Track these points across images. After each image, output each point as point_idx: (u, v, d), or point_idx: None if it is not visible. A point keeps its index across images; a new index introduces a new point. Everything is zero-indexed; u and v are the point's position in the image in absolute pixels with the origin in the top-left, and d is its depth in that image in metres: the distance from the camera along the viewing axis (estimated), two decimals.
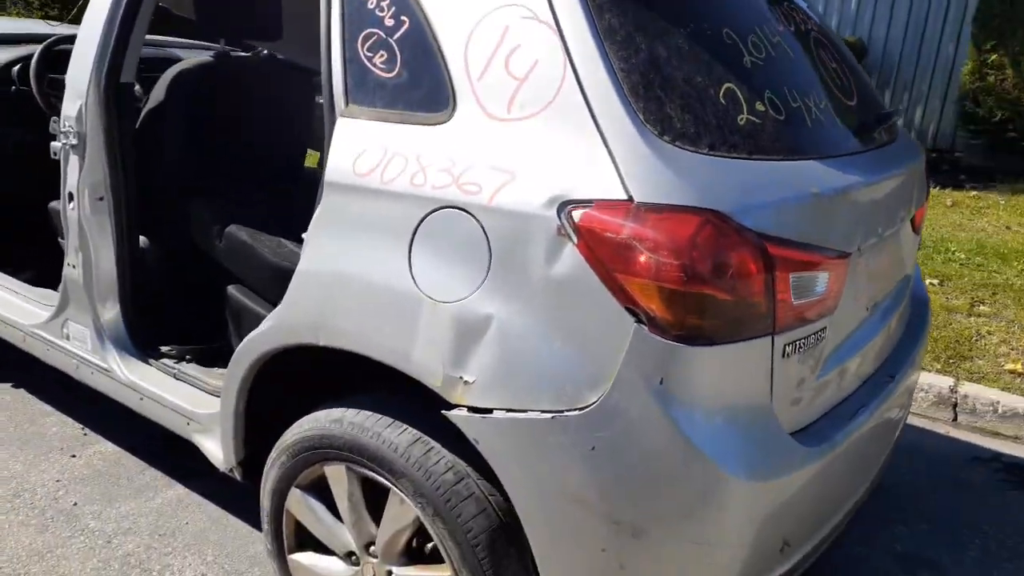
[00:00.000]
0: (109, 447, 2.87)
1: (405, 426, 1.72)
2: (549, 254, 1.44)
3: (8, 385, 3.22)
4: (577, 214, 1.41)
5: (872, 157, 1.86)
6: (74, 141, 2.22)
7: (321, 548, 1.98)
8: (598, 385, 1.42)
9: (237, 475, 2.11)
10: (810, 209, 1.53)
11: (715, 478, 1.41)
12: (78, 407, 3.07)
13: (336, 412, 1.80)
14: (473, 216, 1.50)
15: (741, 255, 1.38)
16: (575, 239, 1.41)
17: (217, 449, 2.17)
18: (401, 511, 1.73)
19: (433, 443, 1.69)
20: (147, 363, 2.41)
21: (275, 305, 2.21)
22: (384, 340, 1.61)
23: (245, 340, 1.89)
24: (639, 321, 1.38)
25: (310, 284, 1.72)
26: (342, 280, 1.67)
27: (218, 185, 2.53)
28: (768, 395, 1.49)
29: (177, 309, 2.60)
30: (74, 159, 2.24)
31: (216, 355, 2.48)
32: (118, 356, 2.41)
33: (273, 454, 1.93)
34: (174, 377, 2.36)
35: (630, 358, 1.38)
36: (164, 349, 2.45)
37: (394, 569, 1.82)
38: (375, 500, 1.82)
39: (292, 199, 2.61)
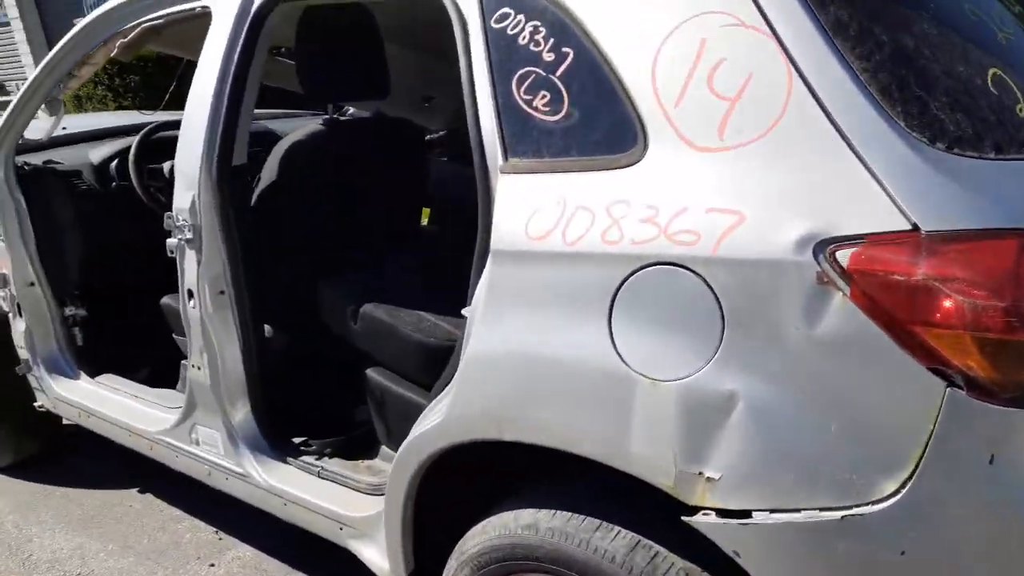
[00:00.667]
0: (246, 551, 2.65)
1: (617, 529, 1.42)
2: (808, 309, 1.13)
3: (135, 490, 3.06)
4: (844, 255, 1.10)
5: None
6: (189, 235, 2.02)
7: None
8: (897, 470, 1.10)
9: None
10: None
11: None
12: (209, 511, 2.88)
13: (526, 515, 1.52)
14: (692, 271, 1.21)
15: None
16: (845, 287, 1.11)
17: (380, 558, 1.91)
18: None
19: (657, 547, 1.39)
20: (286, 463, 2.19)
21: (421, 385, 1.99)
22: (590, 432, 1.33)
23: (410, 440, 1.63)
24: (952, 384, 1.06)
25: (485, 371, 1.45)
26: (527, 364, 1.39)
27: (345, 260, 2.31)
28: None
29: (309, 400, 2.38)
30: (191, 253, 2.05)
31: (358, 445, 2.25)
32: (254, 459, 2.19)
33: (452, 565, 1.66)
34: (318, 475, 2.12)
35: (944, 432, 1.06)
36: (301, 446, 2.22)
37: None
38: None
39: (422, 265, 2.38)
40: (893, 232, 1.08)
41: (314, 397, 2.39)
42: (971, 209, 1.08)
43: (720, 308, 1.19)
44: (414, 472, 1.64)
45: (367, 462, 2.17)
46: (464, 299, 1.54)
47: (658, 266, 1.24)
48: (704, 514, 1.22)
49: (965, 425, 1.06)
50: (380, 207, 2.48)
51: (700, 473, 1.22)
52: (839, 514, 1.12)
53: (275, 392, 2.22)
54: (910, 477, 1.10)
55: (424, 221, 3.06)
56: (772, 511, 1.17)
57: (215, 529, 2.77)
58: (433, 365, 1.92)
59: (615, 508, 1.46)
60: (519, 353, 1.40)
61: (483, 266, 1.50)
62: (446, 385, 1.67)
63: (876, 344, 1.10)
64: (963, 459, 1.08)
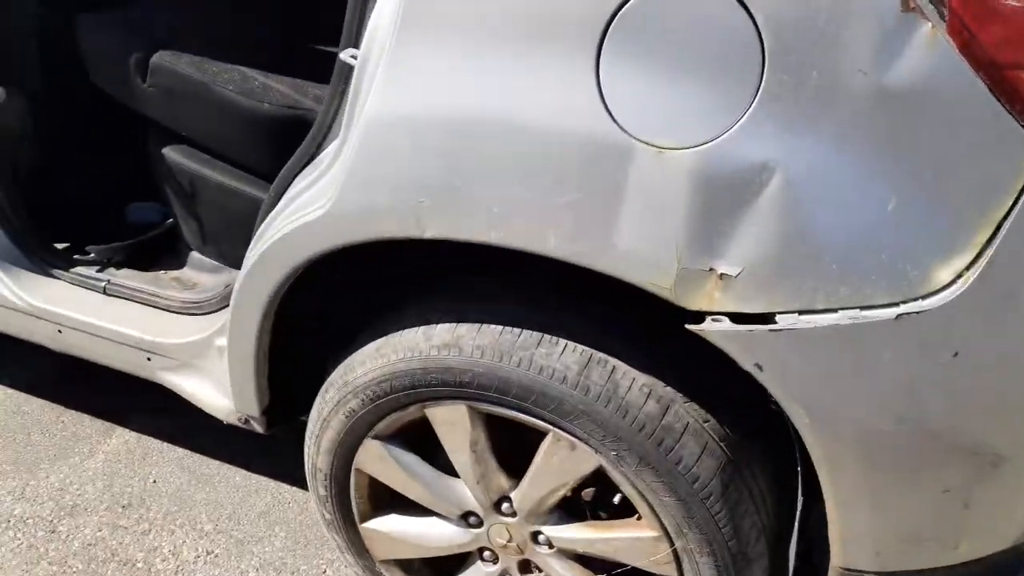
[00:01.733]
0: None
1: (563, 343, 1.13)
2: (882, 48, 0.84)
3: None
4: None
5: None
6: None
7: (409, 509, 1.41)
8: (958, 257, 0.89)
9: (258, 427, 1.47)
10: None
11: None
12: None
13: (442, 332, 1.18)
14: None
15: None
16: (939, 17, 0.82)
17: (213, 393, 1.50)
18: (571, 460, 1.18)
19: (613, 361, 1.12)
20: (53, 276, 1.63)
21: (247, 169, 1.51)
22: (557, 222, 0.98)
23: (271, 240, 1.19)
24: None
25: (397, 141, 1.03)
26: (467, 127, 0.99)
27: None
28: None
29: (77, 192, 1.77)
30: None
31: (152, 251, 1.73)
32: (5, 273, 1.61)
33: (329, 398, 1.30)
34: (103, 292, 1.60)
35: None
36: (75, 254, 1.66)
37: (545, 529, 1.30)
38: (505, 442, 1.27)
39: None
40: None
41: (84, 188, 1.78)
42: None
43: (761, 45, 0.86)
44: (278, 282, 1.21)
45: (172, 273, 1.67)
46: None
47: None
48: (714, 320, 0.96)
49: None
50: None
51: (711, 269, 0.94)
52: (892, 312, 0.90)
53: (26, 182, 1.61)
54: (975, 261, 0.89)
55: None
56: (801, 312, 0.93)
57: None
58: (268, 141, 1.44)
59: (556, 318, 1.16)
60: (453, 112, 0.99)
61: None
62: (308, 164, 1.23)
63: (966, 94, 0.84)
64: None
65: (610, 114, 0.92)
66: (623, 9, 0.89)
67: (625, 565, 1.27)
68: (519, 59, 0.95)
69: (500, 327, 1.15)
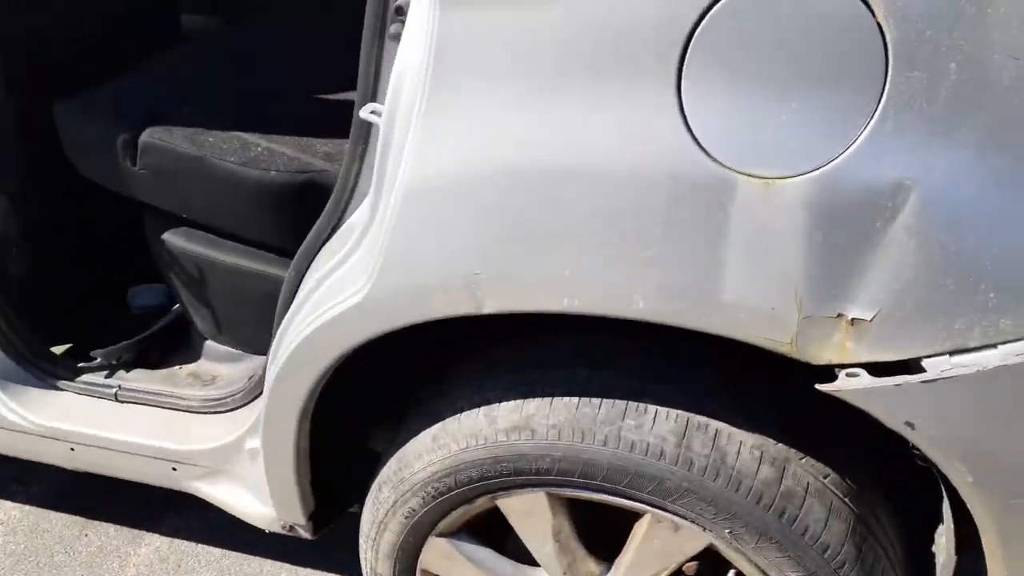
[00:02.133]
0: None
1: (653, 409, 0.97)
2: None
3: None
4: None
5: None
6: None
7: None
8: None
9: (304, 533, 1.30)
10: None
11: None
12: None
13: (507, 413, 1.02)
14: None
15: None
16: None
17: (248, 501, 1.34)
18: (675, 541, 1.02)
19: (715, 424, 0.97)
20: (58, 389, 1.47)
21: (272, 250, 1.36)
22: (643, 278, 0.82)
23: (304, 337, 1.02)
24: None
25: (443, 207, 0.87)
26: (527, 184, 0.83)
27: (85, 75, 1.48)
28: None
29: (65, 292, 1.61)
30: None
31: (160, 346, 1.57)
32: (6, 392, 1.45)
33: (384, 498, 1.14)
34: (115, 399, 1.44)
35: None
36: (78, 362, 1.51)
37: None
38: (591, 521, 1.11)
39: (215, 60, 1.62)
40: None
41: (81, 284, 1.62)
42: None
43: (884, 42, 0.71)
44: (315, 380, 1.05)
45: (188, 368, 1.51)
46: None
47: None
48: (849, 374, 0.80)
49: None
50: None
51: (839, 315, 0.78)
52: None
53: (19, 289, 1.46)
54: None
55: None
56: (953, 353, 0.77)
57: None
58: (280, 211, 1.29)
59: (641, 381, 1.00)
60: (509, 166, 0.83)
61: (382, 25, 0.89)
62: (331, 235, 1.08)
63: None
64: None
65: (699, 145, 0.77)
66: (705, 19, 0.74)
67: None
68: (583, 97, 0.79)
69: (576, 399, 0.99)
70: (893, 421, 0.79)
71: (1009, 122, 0.71)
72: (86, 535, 1.83)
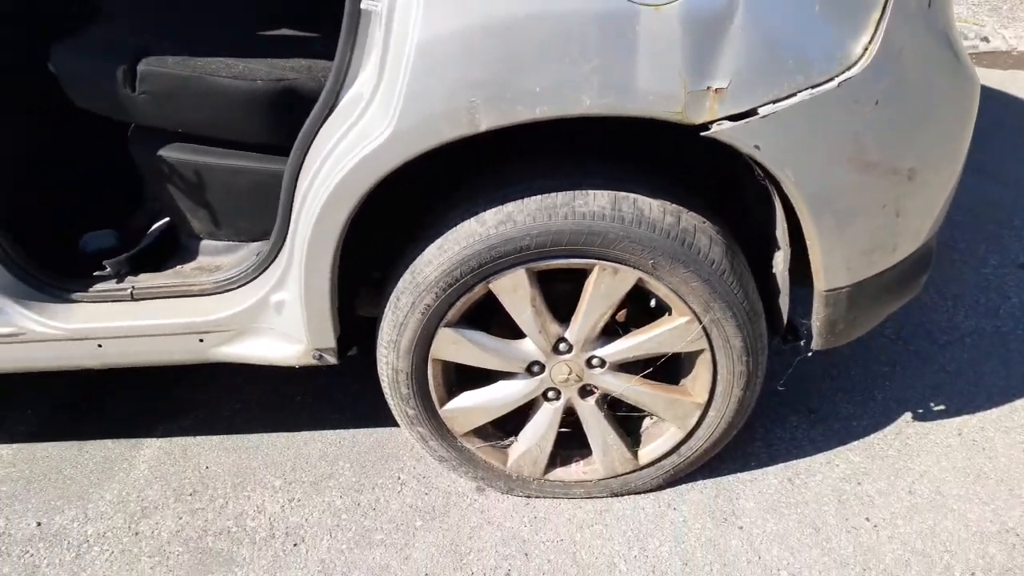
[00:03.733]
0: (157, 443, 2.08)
1: (591, 192, 1.45)
2: None
3: None
4: None
5: None
6: None
7: (477, 382, 1.69)
8: (862, 33, 1.30)
9: (331, 358, 1.67)
10: None
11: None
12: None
13: (492, 215, 1.45)
14: None
15: None
16: None
17: (276, 346, 1.68)
18: (616, 282, 1.51)
19: (632, 196, 1.46)
20: (75, 301, 1.71)
21: (258, 150, 1.68)
22: (589, 85, 1.28)
23: (338, 181, 1.39)
24: None
25: (448, 56, 1.28)
26: (507, 31, 1.26)
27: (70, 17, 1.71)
28: None
29: (66, 214, 1.83)
30: None
31: (152, 254, 1.84)
32: (28, 309, 1.68)
33: (403, 303, 1.54)
34: (131, 298, 1.71)
35: None
36: (87, 275, 1.75)
37: (598, 352, 1.62)
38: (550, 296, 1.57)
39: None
40: None
41: (70, 208, 1.85)
42: None
43: None
44: (347, 216, 1.43)
45: (189, 265, 1.80)
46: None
47: None
48: (719, 124, 1.31)
49: None
50: None
51: (708, 88, 1.29)
52: (835, 83, 1.29)
53: (21, 214, 1.68)
54: (873, 38, 1.30)
55: None
56: (775, 102, 1.30)
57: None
58: (266, 114, 1.63)
59: (577, 179, 1.47)
60: (493, 19, 1.26)
61: None
62: (329, 115, 1.44)
63: None
64: (910, 10, 1.31)
65: None
66: None
67: (663, 355, 1.62)
68: None
69: (540, 196, 1.45)
70: (746, 147, 1.32)
71: None
72: (86, 451, 2.06)
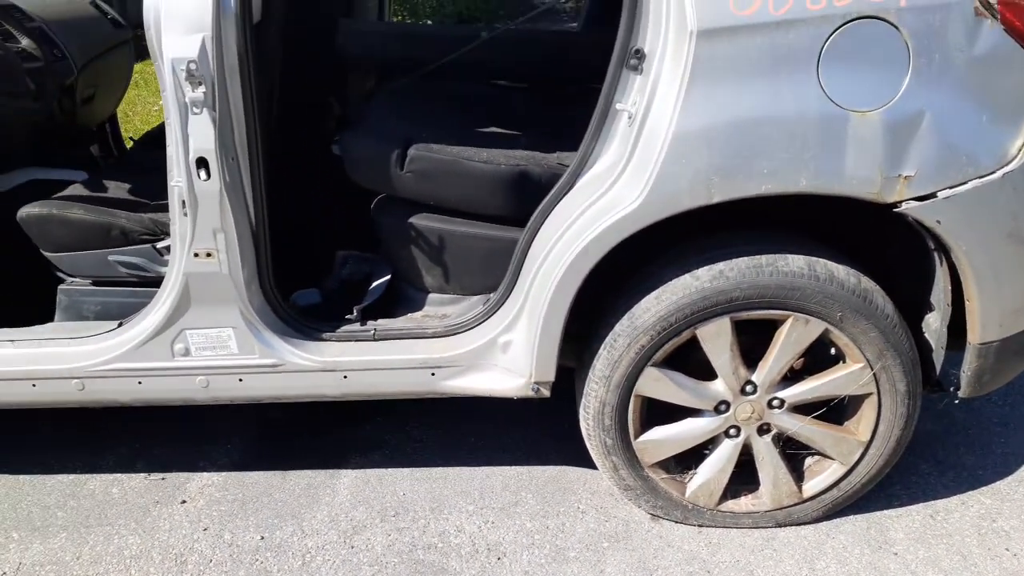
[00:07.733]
0: (211, 477, 2.35)
1: (790, 256, 1.78)
2: (968, 35, 1.58)
3: None
4: None
5: None
6: (200, 91, 1.69)
7: (667, 419, 1.98)
8: (1019, 137, 1.66)
9: (545, 391, 1.96)
10: None
11: None
12: (92, 459, 2.43)
13: (706, 271, 1.78)
14: (886, 20, 1.57)
15: None
16: (993, 16, 1.57)
17: (499, 379, 1.98)
18: (805, 332, 1.82)
19: (823, 260, 1.79)
20: (326, 340, 2.02)
21: (492, 221, 2.02)
22: (807, 169, 1.63)
23: (587, 243, 1.72)
24: None
25: (697, 144, 1.63)
26: (744, 126, 1.62)
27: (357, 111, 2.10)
28: None
29: (314, 271, 2.18)
30: (202, 114, 1.71)
31: (385, 304, 2.16)
32: (289, 344, 1.98)
33: (620, 343, 1.85)
34: (373, 339, 2.02)
35: None
36: (336, 319, 2.07)
37: (780, 393, 1.91)
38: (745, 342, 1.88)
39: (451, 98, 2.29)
40: None
41: (320, 265, 2.19)
42: None
43: (907, 46, 1.58)
44: (585, 274, 1.77)
45: (418, 313, 2.12)
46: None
47: (858, 20, 1.57)
48: (907, 203, 1.65)
49: None
50: None
51: (899, 175, 1.63)
52: (998, 174, 1.64)
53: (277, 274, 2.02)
54: None
55: None
56: (951, 187, 1.64)
57: (145, 474, 2.37)
58: (504, 192, 1.99)
59: (778, 246, 1.80)
60: (735, 119, 1.62)
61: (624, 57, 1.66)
62: (567, 193, 1.78)
63: (1012, 55, 1.60)
64: None
65: (830, 99, 1.60)
66: (829, 40, 1.57)
67: (835, 397, 1.91)
68: (773, 78, 1.60)
69: (747, 257, 1.78)
70: (930, 221, 1.65)
71: (957, 85, 1.60)
72: (289, 479, 2.33)
